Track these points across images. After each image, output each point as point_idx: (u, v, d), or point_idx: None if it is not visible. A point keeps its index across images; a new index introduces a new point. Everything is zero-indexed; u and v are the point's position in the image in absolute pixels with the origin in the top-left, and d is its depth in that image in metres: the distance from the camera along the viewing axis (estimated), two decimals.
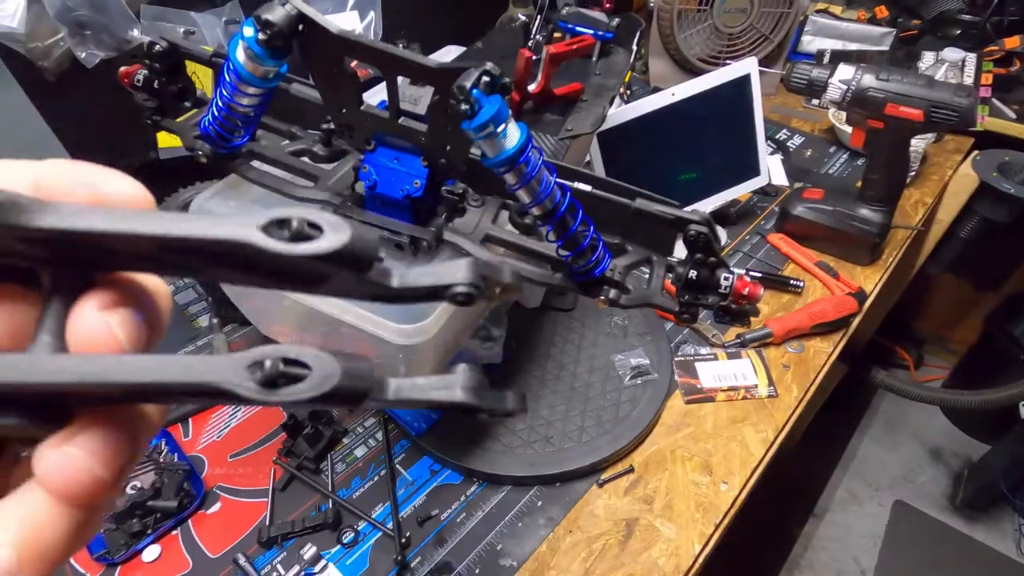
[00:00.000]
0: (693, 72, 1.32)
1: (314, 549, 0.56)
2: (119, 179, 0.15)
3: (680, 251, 0.39)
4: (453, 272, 0.15)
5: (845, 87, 0.79)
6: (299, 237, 0.12)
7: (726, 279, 0.38)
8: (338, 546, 0.58)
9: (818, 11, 1.47)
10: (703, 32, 1.26)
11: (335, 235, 0.12)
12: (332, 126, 0.43)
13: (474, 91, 0.29)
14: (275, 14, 0.30)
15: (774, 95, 1.33)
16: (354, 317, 0.43)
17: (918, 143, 1.02)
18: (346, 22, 0.87)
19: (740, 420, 0.69)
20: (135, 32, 0.69)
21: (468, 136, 0.31)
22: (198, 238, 0.12)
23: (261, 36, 0.30)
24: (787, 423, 0.69)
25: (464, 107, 0.29)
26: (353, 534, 0.59)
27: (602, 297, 0.38)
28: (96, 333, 0.14)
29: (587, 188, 0.38)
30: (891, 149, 0.81)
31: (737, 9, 1.23)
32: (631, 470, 0.64)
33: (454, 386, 0.15)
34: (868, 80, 0.77)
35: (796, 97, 1.33)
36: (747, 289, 0.38)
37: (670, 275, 0.41)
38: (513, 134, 0.30)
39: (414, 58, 0.31)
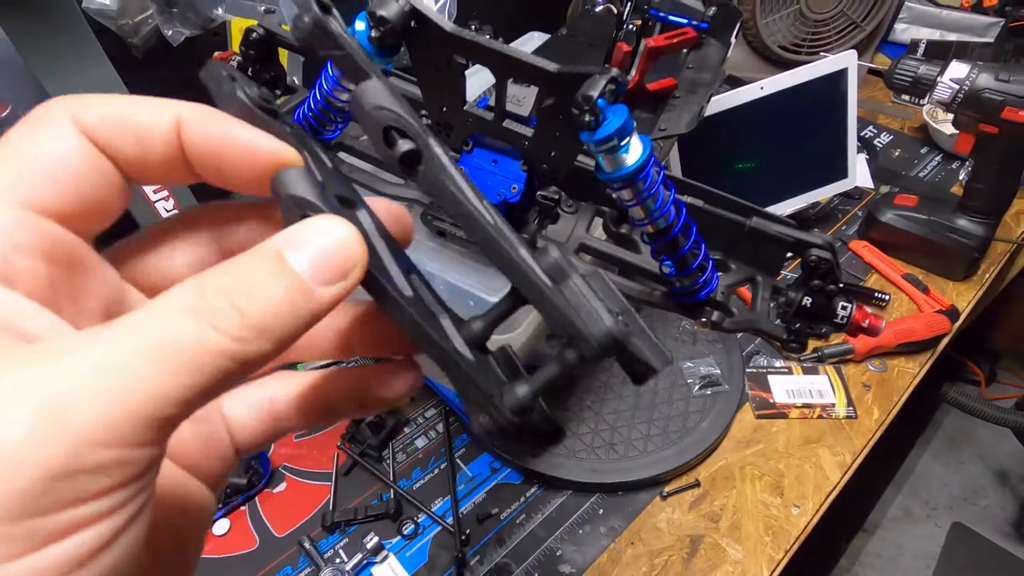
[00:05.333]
0: (770, 60, 1.24)
1: (376, 539, 0.57)
2: (257, 136, 0.17)
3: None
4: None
5: (957, 87, 0.72)
6: None
7: (844, 308, 0.35)
8: (398, 536, 0.59)
9: None
10: (788, 18, 1.18)
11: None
12: (426, 121, 0.41)
13: (599, 101, 0.26)
14: (389, 9, 0.28)
15: (860, 86, 1.24)
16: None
17: None
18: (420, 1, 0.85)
19: (815, 440, 0.66)
20: (219, 10, 0.69)
21: (581, 146, 0.29)
22: None
23: (373, 33, 0.29)
24: (866, 447, 0.65)
25: (588, 118, 0.27)
26: (413, 526, 0.59)
27: (704, 320, 0.36)
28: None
29: (699, 203, 0.35)
30: (1003, 157, 0.74)
31: None
32: (697, 484, 0.62)
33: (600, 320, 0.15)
34: (985, 80, 0.71)
35: (885, 90, 1.23)
36: (867, 321, 0.35)
37: (777, 298, 0.38)
38: (636, 148, 0.28)
39: (532, 61, 0.29)
